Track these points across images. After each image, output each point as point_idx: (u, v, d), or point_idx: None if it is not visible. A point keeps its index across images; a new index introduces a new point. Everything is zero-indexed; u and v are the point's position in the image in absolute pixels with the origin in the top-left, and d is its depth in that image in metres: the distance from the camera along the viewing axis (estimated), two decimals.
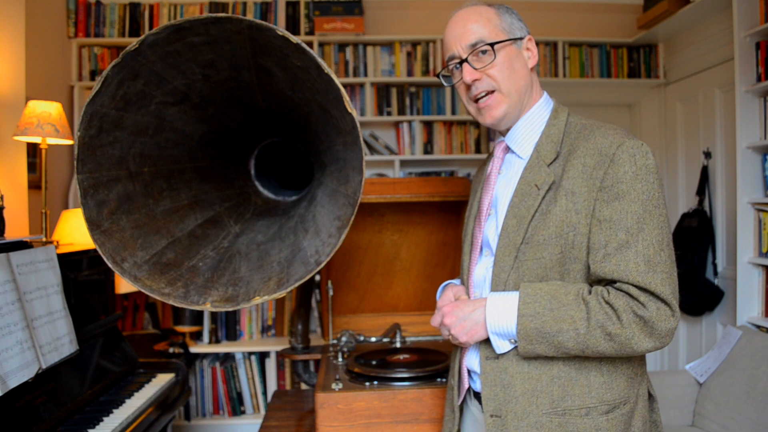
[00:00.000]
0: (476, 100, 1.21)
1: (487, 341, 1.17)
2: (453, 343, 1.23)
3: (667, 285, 1.03)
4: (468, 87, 1.21)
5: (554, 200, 1.11)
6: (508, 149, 1.25)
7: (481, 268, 1.23)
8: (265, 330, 3.50)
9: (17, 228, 2.49)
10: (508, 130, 1.24)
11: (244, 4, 3.60)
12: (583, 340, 1.05)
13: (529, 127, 1.21)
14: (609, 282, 1.08)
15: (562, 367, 1.11)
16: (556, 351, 1.08)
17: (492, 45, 1.17)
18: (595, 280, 1.10)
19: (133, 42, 1.09)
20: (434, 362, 1.80)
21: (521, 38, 1.21)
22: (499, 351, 1.14)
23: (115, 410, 1.82)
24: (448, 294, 1.28)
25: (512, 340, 1.12)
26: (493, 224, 1.21)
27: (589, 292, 1.08)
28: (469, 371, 1.27)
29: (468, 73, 1.19)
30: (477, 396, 1.25)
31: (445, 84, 1.28)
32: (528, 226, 1.12)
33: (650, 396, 1.20)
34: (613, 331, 1.04)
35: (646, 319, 1.02)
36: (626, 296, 1.04)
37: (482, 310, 1.14)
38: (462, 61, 1.20)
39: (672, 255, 1.08)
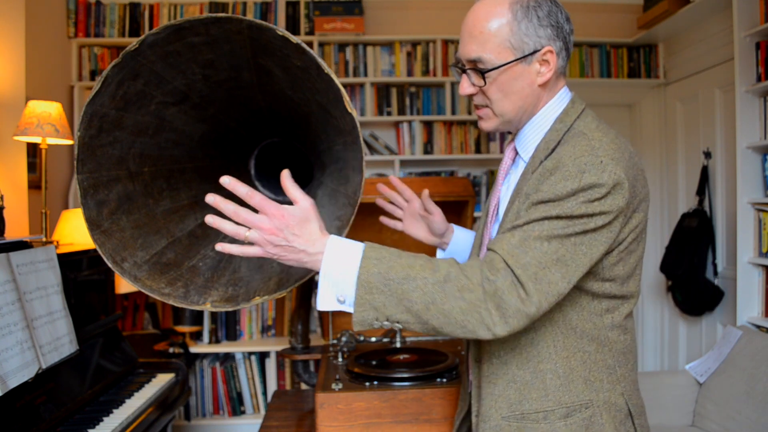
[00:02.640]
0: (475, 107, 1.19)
1: (477, 343, 1.14)
2: (248, 240, 0.97)
3: (530, 269, 0.94)
4: None
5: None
6: (516, 151, 1.22)
7: None
8: (265, 330, 3.50)
9: (17, 228, 2.49)
10: (516, 132, 1.20)
11: (244, 4, 3.60)
12: (432, 291, 0.94)
13: (534, 130, 1.16)
14: None
15: (516, 371, 1.09)
16: (398, 304, 0.95)
17: (482, 73, 1.08)
18: None
19: (133, 42, 1.09)
20: (434, 362, 1.80)
21: (534, 52, 1.07)
22: (320, 306, 0.99)
23: (115, 410, 1.82)
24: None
25: (341, 299, 0.98)
26: (495, 228, 1.20)
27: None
28: None
29: (463, 87, 1.14)
30: None
31: (457, 78, 1.20)
32: None
33: (629, 412, 1.11)
34: (464, 286, 0.94)
35: (496, 285, 0.94)
36: (481, 262, 0.97)
37: (322, 241, 0.98)
38: (463, 71, 1.14)
39: (564, 263, 0.97)
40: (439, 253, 1.45)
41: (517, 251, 0.96)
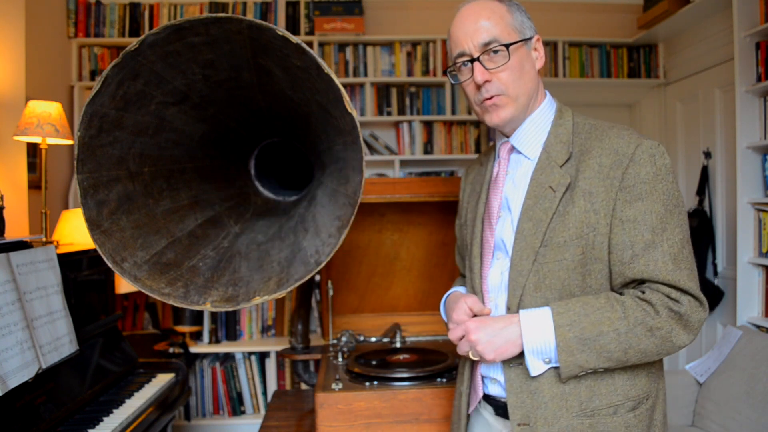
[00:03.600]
0: (483, 100, 1.18)
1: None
2: (473, 358, 1.17)
3: (693, 280, 1.06)
4: (477, 87, 1.17)
5: (571, 201, 1.10)
6: (512, 149, 1.23)
7: (496, 272, 1.20)
8: (265, 330, 3.50)
9: (17, 228, 2.49)
10: (512, 130, 1.22)
11: (244, 4, 3.60)
12: (625, 339, 1.05)
13: (535, 127, 1.20)
14: (637, 283, 1.09)
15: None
16: (599, 357, 1.06)
17: (507, 46, 1.14)
18: (622, 283, 1.10)
19: (133, 42, 1.09)
20: (434, 362, 1.80)
21: (531, 38, 1.19)
22: (533, 373, 1.11)
23: (115, 410, 1.82)
24: (462, 307, 1.20)
25: (547, 360, 1.09)
26: (506, 226, 1.19)
27: (620, 294, 1.09)
28: (482, 377, 1.24)
29: (480, 74, 1.15)
30: (487, 399, 1.24)
31: (452, 81, 1.24)
32: (546, 229, 1.11)
33: (665, 393, 1.22)
34: (654, 325, 1.05)
35: (682, 313, 1.04)
36: (659, 293, 1.06)
37: (516, 327, 1.10)
38: (473, 60, 1.16)
39: (692, 250, 1.10)
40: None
41: (677, 274, 1.05)
